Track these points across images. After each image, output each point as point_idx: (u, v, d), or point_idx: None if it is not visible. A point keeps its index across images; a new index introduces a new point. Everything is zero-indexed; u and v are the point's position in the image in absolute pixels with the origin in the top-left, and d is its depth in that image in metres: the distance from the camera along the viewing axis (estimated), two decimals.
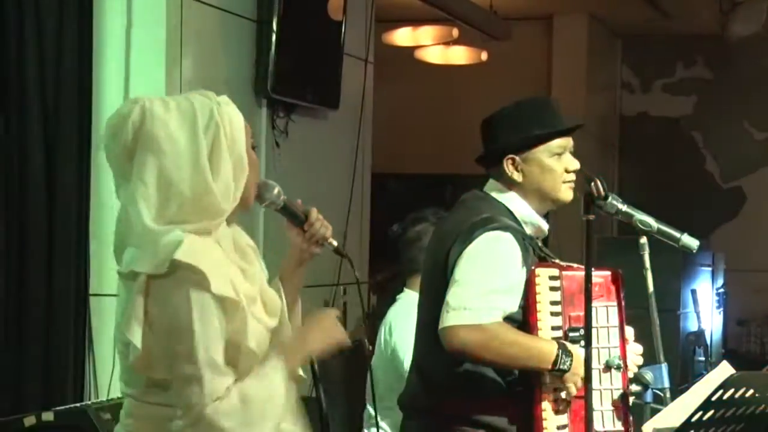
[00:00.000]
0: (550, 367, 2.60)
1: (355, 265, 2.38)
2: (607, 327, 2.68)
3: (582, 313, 2.54)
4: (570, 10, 8.02)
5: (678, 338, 6.13)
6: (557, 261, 2.78)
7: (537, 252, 2.75)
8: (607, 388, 2.65)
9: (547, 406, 2.64)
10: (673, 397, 2.53)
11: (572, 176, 2.80)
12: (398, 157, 7.98)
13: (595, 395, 2.61)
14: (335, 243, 2.32)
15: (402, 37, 6.94)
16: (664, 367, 2.64)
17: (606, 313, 2.68)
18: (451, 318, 2.60)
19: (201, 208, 2.02)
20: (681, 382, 2.76)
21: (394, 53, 6.97)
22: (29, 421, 3.14)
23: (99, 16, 3.94)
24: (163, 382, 2.01)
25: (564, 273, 2.67)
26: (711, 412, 2.22)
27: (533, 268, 2.68)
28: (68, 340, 3.79)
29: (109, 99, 3.92)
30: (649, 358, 2.68)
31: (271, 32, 4.54)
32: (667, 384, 2.64)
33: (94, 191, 3.85)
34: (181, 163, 2.01)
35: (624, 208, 2.67)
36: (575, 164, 2.79)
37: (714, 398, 2.20)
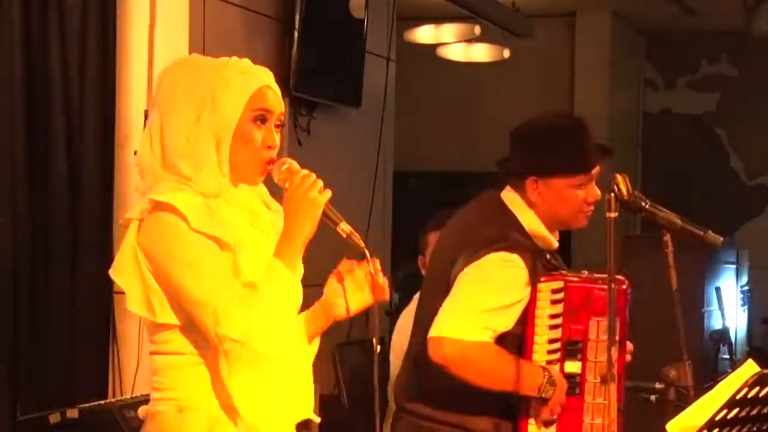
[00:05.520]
0: (534, 394, 2.62)
1: (379, 263, 2.33)
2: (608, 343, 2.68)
3: (582, 327, 2.57)
4: (593, 7, 7.98)
5: (702, 336, 6.09)
6: (564, 272, 2.76)
7: (545, 264, 2.74)
8: (601, 402, 2.64)
9: (533, 420, 2.66)
10: (698, 396, 2.52)
11: (590, 207, 2.79)
12: (420, 154, 7.97)
13: (589, 408, 2.65)
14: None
15: (424, 34, 6.93)
16: (689, 365, 2.63)
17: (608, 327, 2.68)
18: (439, 329, 2.62)
19: (177, 170, 2.05)
20: (705, 381, 2.74)
21: (416, 51, 6.97)
22: (54, 418, 3.16)
23: (122, 14, 3.97)
24: (172, 328, 2.02)
25: (570, 285, 2.66)
26: (736, 411, 2.20)
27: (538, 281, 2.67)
28: (93, 338, 3.82)
29: (132, 98, 3.94)
30: (674, 357, 2.67)
31: (293, 31, 4.55)
32: (691, 382, 2.63)
33: (117, 190, 3.87)
34: (174, 125, 2.06)
35: (648, 205, 2.65)
36: (595, 195, 2.76)
37: (739, 396, 2.18)
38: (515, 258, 2.65)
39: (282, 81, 4.57)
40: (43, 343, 3.63)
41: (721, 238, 2.68)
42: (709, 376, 5.46)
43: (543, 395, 2.62)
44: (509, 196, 2.80)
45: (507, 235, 2.70)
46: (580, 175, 2.75)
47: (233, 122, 2.06)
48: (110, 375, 3.85)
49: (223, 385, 2.00)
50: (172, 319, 2.02)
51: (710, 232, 2.68)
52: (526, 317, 2.66)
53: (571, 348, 2.64)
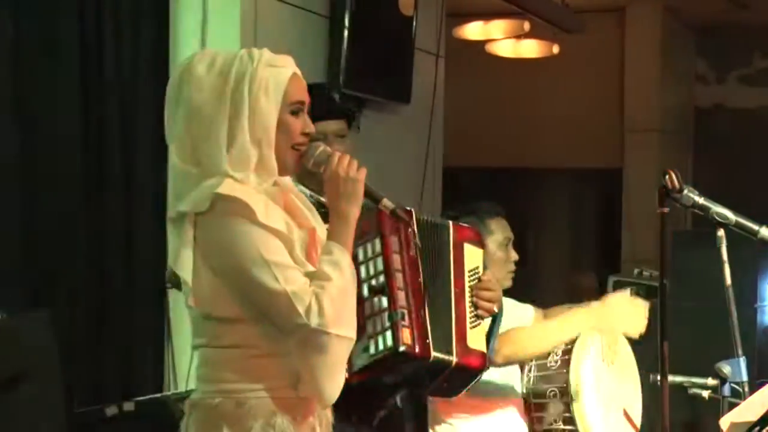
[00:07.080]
0: None
1: None
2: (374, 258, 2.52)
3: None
4: (643, 2, 7.92)
5: (755, 331, 6.02)
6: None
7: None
8: (377, 313, 2.46)
9: None
10: (752, 391, 2.50)
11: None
12: (469, 150, 7.96)
13: (368, 322, 2.48)
14: None
15: (473, 31, 6.92)
16: (742, 360, 2.61)
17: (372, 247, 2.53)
18: None
19: (220, 173, 2.04)
20: (759, 376, 2.72)
21: (465, 47, 6.96)
22: (111, 410, 3.22)
23: (175, 13, 4.02)
24: (229, 322, 2.04)
25: None
26: None
27: None
28: (148, 333, 3.88)
29: None
30: (727, 352, 2.66)
31: (343, 28, 4.58)
32: (745, 378, 2.62)
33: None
34: (205, 127, 2.06)
35: (701, 200, 2.64)
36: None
37: None
38: None
39: (332, 78, 4.60)
40: (100, 337, 3.69)
41: None
42: (763, 371, 5.41)
43: None
44: None
45: None
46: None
47: (274, 120, 2.08)
48: (166, 368, 3.90)
49: (288, 375, 2.03)
50: (232, 312, 2.04)
51: (765, 227, 2.66)
52: None
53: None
